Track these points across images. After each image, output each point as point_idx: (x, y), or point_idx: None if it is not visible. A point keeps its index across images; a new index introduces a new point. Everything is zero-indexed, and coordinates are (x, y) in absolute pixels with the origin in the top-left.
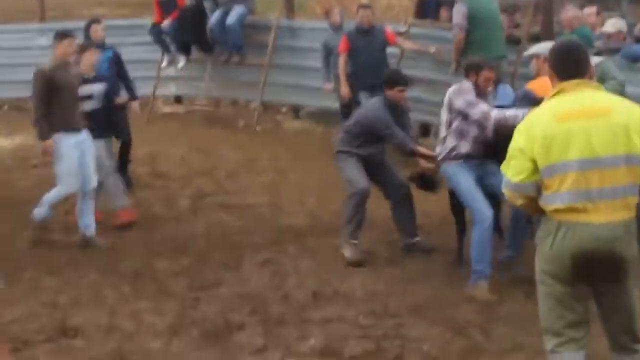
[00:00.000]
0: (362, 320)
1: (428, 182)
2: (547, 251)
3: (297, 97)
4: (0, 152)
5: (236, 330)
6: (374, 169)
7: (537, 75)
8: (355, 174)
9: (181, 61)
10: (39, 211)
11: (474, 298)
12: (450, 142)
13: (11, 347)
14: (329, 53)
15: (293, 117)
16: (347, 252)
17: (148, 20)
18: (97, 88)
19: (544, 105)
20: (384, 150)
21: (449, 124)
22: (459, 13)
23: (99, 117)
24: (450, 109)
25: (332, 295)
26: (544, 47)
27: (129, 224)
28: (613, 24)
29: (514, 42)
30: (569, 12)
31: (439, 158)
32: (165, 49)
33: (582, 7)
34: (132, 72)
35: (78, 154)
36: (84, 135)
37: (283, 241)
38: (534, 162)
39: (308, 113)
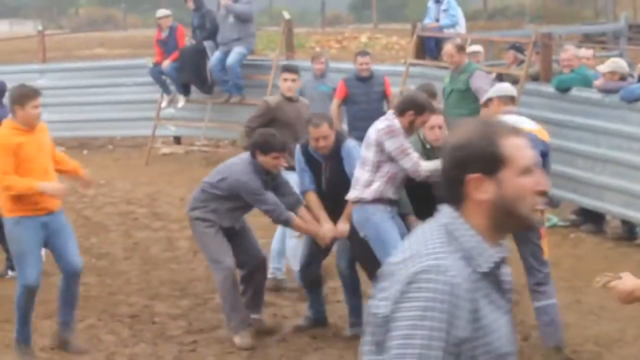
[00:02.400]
0: None
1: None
2: None
3: None
4: None
5: None
6: (233, 235)
7: None
8: (219, 251)
9: (181, 101)
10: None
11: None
12: (378, 186)
13: None
14: None
15: None
16: (237, 339)
17: (148, 61)
18: None
19: None
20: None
21: (377, 167)
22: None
23: None
24: (380, 149)
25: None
26: (500, 90)
27: None
28: (608, 65)
29: (513, 81)
30: (568, 52)
31: (361, 201)
32: (165, 89)
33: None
34: (132, 112)
35: None
36: None
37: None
38: None
39: None
